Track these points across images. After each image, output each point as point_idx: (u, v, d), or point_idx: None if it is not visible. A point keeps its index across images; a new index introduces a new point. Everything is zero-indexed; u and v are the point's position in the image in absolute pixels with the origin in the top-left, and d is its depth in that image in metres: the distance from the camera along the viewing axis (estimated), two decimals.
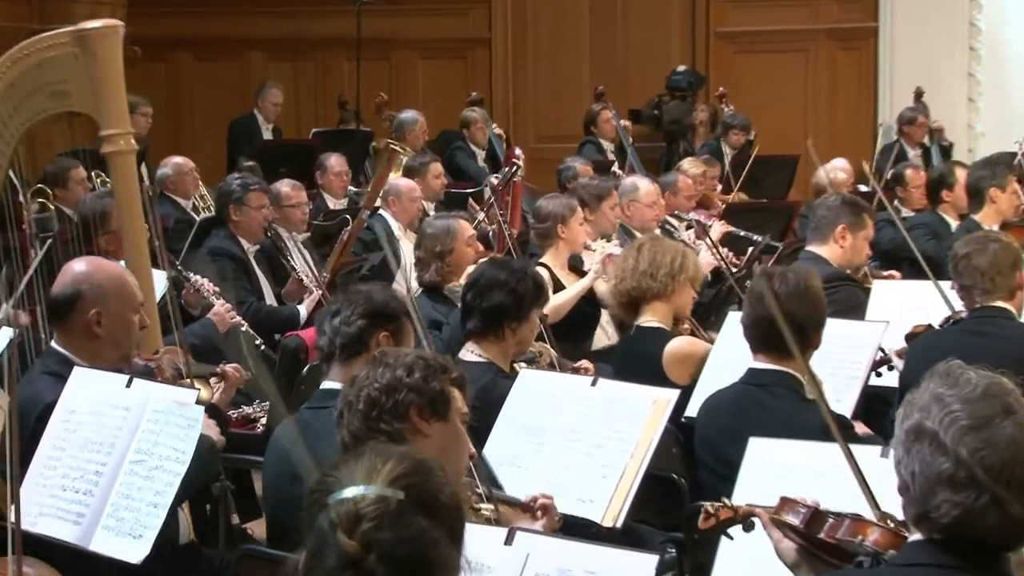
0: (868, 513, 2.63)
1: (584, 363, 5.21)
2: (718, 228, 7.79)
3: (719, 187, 9.89)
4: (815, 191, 8.48)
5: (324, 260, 7.16)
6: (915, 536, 2.26)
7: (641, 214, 7.29)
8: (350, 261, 7.03)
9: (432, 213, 8.39)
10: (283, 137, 11.21)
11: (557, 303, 5.90)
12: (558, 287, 6.15)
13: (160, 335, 4.86)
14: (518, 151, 8.63)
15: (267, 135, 11.09)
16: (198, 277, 5.94)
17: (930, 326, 4.90)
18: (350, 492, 1.96)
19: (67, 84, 4.90)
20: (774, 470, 3.27)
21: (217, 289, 5.95)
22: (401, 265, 7.45)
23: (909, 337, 4.77)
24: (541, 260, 6.30)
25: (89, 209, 5.66)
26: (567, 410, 3.96)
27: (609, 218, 6.99)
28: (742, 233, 7.74)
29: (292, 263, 6.79)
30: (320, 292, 6.50)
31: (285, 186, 7.23)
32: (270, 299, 6.69)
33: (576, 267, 6.47)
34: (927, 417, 2.20)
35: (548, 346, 5.08)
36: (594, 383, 4.01)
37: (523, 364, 4.62)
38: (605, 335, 6.47)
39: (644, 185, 7.50)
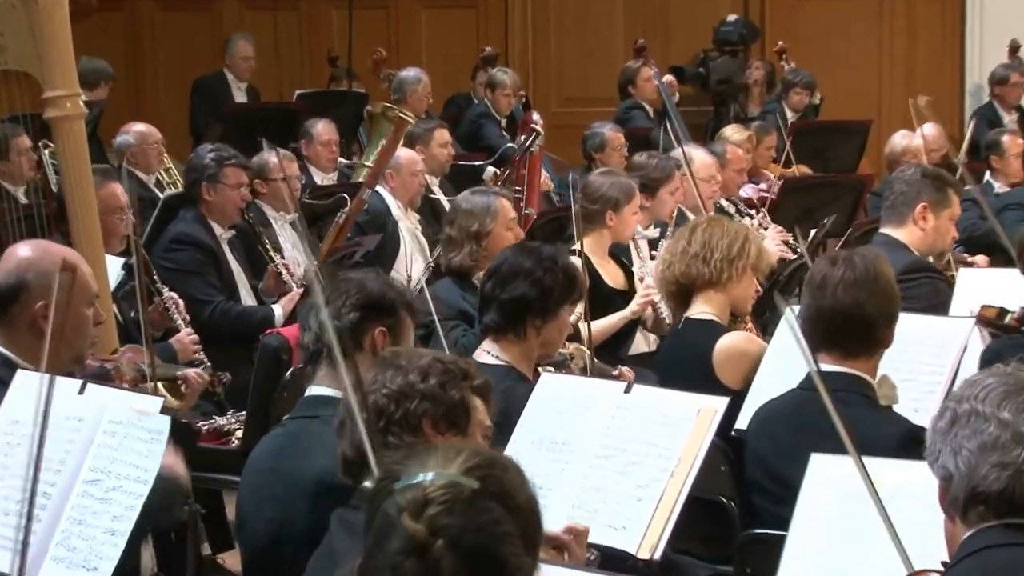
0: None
1: (624, 370, 5.20)
2: (773, 235, 7.74)
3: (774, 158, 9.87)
4: (888, 163, 8.47)
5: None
6: (966, 535, 2.45)
7: (693, 192, 7.27)
8: (341, 247, 7.03)
9: (436, 189, 8.39)
10: (261, 99, 11.22)
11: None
12: (594, 277, 6.14)
13: (116, 332, 4.88)
14: (536, 116, 8.59)
15: (239, 97, 11.09)
16: (173, 295, 5.94)
17: (1002, 310, 4.86)
18: (421, 477, 2.06)
19: (4, 38, 4.91)
20: (839, 492, 3.28)
21: (187, 316, 5.95)
22: (400, 251, 7.45)
23: (980, 319, 4.73)
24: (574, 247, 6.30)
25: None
26: (596, 421, 3.97)
27: (668, 205, 6.99)
28: (789, 245, 7.63)
29: (270, 252, 6.73)
30: (300, 290, 6.49)
31: (274, 156, 7.24)
32: (246, 294, 6.66)
33: (617, 257, 6.47)
34: (961, 402, 2.50)
35: (583, 347, 5.06)
36: (628, 389, 4.01)
37: (550, 369, 4.62)
38: (645, 341, 6.50)
39: (699, 157, 7.49)
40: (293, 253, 7.06)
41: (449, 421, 3.04)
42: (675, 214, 7.08)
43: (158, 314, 5.88)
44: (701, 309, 4.97)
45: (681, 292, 5.02)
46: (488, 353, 4.50)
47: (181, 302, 5.94)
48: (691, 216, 6.94)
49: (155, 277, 5.90)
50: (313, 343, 3.72)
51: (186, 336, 5.81)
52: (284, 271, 6.64)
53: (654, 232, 6.89)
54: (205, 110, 10.81)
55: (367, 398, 3.00)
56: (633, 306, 6.22)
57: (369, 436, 2.62)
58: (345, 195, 7.31)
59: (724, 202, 8.05)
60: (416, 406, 3.02)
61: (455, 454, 2.12)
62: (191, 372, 4.46)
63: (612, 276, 6.34)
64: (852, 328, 3.92)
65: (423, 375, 3.05)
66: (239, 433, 5.11)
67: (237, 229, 6.75)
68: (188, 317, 5.93)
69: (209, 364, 5.68)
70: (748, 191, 8.79)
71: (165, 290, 5.91)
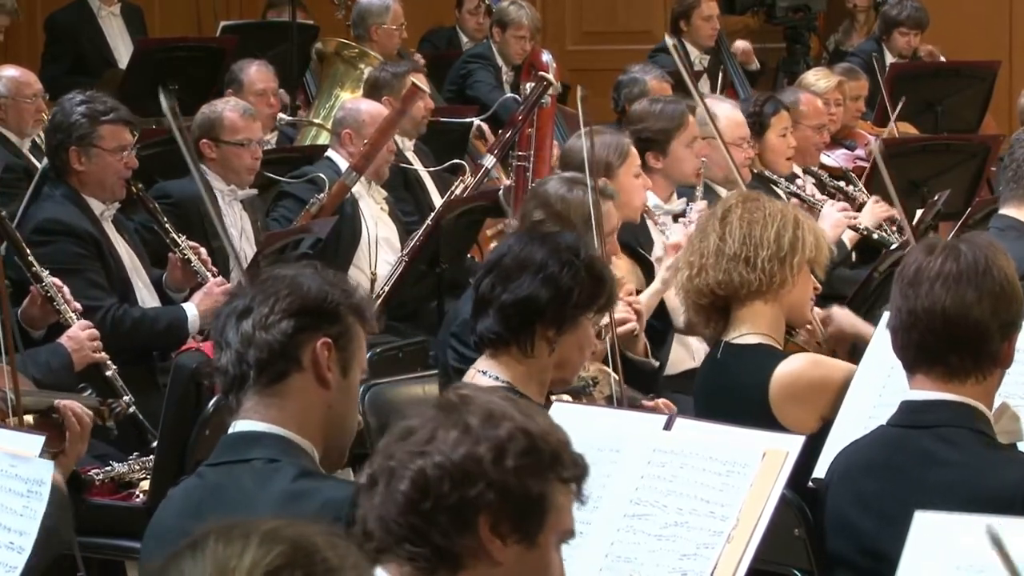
0: None
1: (661, 401, 5.19)
2: (873, 212, 7.74)
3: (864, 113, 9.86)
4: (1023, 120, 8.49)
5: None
6: None
7: (723, 159, 7.27)
8: (281, 233, 7.05)
9: (410, 155, 8.38)
10: (157, 35, 11.10)
11: None
12: None
13: None
14: (546, 57, 8.58)
15: (115, 35, 10.86)
16: (56, 280, 5.96)
17: None
18: None
19: None
20: (953, 563, 3.30)
21: (79, 306, 5.95)
22: (362, 239, 7.45)
23: None
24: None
25: None
26: (626, 469, 3.99)
27: (688, 163, 6.95)
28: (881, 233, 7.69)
29: (173, 234, 6.63)
30: (219, 279, 6.51)
31: (231, 110, 7.30)
32: (144, 289, 6.66)
33: (630, 246, 6.46)
34: None
35: (608, 369, 5.05)
36: (669, 425, 4.05)
37: (566, 397, 4.65)
38: (688, 355, 6.50)
39: (724, 111, 7.46)
40: (241, 243, 7.07)
41: (515, 525, 2.84)
42: (701, 178, 7.03)
43: (38, 308, 5.90)
44: (746, 329, 4.91)
45: (716, 306, 4.95)
46: (484, 374, 4.52)
47: (66, 288, 5.95)
48: (721, 192, 6.92)
49: (31, 259, 5.93)
50: (235, 364, 3.70)
51: (82, 331, 5.82)
52: (193, 257, 6.60)
53: (679, 204, 6.88)
54: (60, 51, 10.63)
55: (414, 462, 2.83)
56: (661, 270, 6.16)
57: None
58: (321, 175, 7.34)
59: (798, 170, 8.05)
60: (478, 495, 2.82)
61: (239, 550, 2.00)
62: (71, 404, 4.43)
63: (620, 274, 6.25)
64: (956, 338, 3.90)
65: (498, 452, 2.83)
66: (145, 484, 5.13)
67: (122, 205, 6.72)
68: (79, 306, 5.94)
69: (92, 391, 5.69)
70: (840, 159, 8.79)
71: (44, 273, 5.92)
